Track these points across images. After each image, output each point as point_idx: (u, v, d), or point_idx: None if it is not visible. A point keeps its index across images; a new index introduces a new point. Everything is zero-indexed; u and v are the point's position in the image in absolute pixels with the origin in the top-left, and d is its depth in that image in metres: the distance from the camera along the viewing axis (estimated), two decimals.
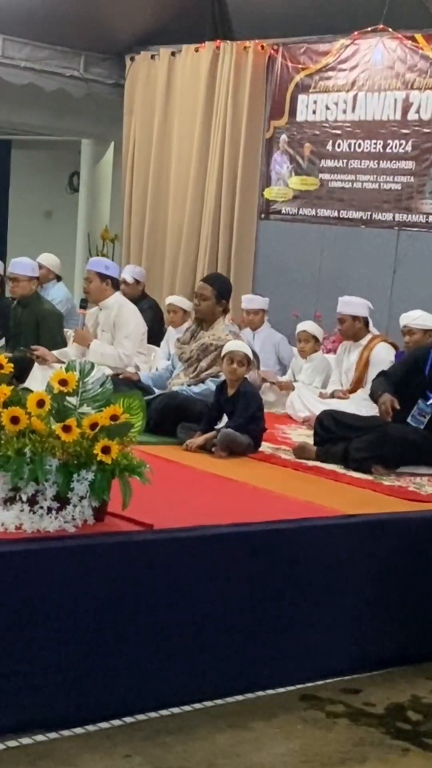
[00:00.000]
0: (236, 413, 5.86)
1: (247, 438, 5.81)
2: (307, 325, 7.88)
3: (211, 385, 6.24)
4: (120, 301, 7.36)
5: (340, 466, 5.75)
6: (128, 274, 9.16)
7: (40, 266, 8.36)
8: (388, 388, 5.88)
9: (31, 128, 12.70)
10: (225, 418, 5.93)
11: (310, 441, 6.11)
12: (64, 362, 6.40)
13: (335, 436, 5.92)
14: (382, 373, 6.21)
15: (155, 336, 8.57)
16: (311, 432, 6.32)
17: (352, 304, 7.15)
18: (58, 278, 9.29)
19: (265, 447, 6.03)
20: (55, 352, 7.24)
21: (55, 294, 8.95)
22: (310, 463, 5.81)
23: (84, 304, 7.76)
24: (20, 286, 7.66)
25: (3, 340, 8.00)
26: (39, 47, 10.22)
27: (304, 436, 6.45)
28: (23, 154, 15.50)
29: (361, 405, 6.57)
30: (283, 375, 7.99)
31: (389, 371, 6.22)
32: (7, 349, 7.48)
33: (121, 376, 6.65)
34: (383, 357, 6.90)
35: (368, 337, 7.13)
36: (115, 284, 7.39)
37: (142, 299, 9.02)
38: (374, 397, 5.99)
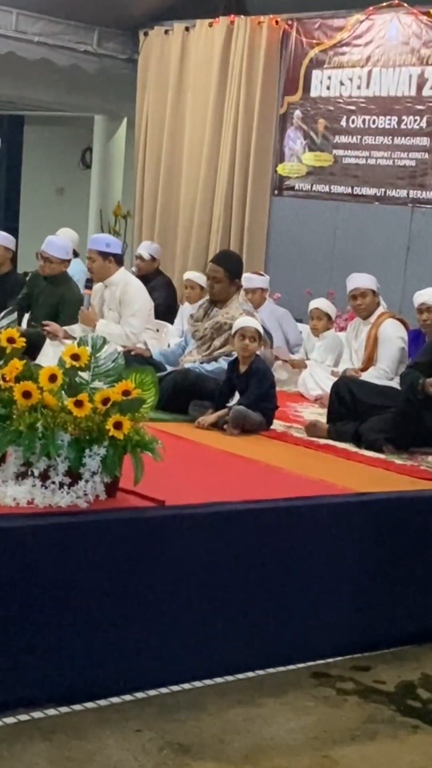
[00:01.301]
0: (248, 390, 5.84)
1: (259, 415, 5.80)
2: (320, 303, 7.83)
3: (223, 363, 6.22)
4: (125, 278, 7.29)
5: (351, 444, 5.73)
6: (145, 250, 9.13)
7: None
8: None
9: (44, 104, 12.67)
10: (237, 396, 5.91)
11: (323, 419, 6.09)
12: (75, 338, 6.40)
13: (349, 408, 5.89)
14: (413, 366, 6.06)
15: (168, 314, 8.55)
16: (323, 410, 6.30)
17: (370, 279, 7.10)
18: (75, 254, 9.26)
19: (277, 425, 6.01)
20: (68, 327, 7.22)
21: (72, 270, 8.92)
22: (322, 441, 5.80)
23: (89, 284, 7.70)
24: (51, 267, 7.59)
25: (15, 314, 7.96)
26: (52, 22, 10.18)
27: (317, 414, 6.43)
28: (36, 130, 15.46)
29: (374, 375, 6.55)
30: (290, 351, 7.96)
31: (419, 362, 6.05)
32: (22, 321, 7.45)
33: (133, 353, 6.62)
34: (391, 333, 6.85)
35: (377, 313, 7.08)
36: (119, 260, 7.31)
37: (156, 276, 9.00)
38: (414, 387, 5.82)
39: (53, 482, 3.73)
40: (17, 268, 8.93)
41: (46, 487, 3.72)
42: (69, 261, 7.79)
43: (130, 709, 3.71)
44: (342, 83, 9.00)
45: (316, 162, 9.21)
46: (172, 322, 8.36)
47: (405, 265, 8.35)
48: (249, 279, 8.25)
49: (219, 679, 4.01)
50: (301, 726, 3.75)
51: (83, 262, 9.32)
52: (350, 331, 7.34)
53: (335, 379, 7.01)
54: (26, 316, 7.66)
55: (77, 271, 9.03)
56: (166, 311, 8.48)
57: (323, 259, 8.99)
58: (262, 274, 8.32)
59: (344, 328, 7.93)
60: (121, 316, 7.15)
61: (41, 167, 15.41)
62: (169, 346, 7.25)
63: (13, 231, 11.16)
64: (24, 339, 4.02)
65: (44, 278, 7.62)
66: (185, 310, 8.26)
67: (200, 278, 8.31)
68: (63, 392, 3.80)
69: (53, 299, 7.59)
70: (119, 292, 7.17)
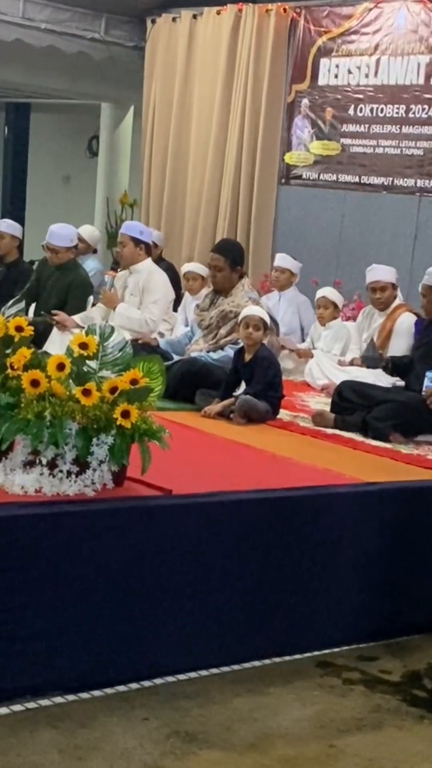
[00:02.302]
0: (254, 379, 5.84)
1: (266, 405, 5.79)
2: (327, 292, 7.82)
3: (229, 351, 6.22)
4: (150, 267, 7.33)
5: (358, 434, 5.73)
6: None
7: (80, 239, 8.24)
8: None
9: (51, 91, 12.63)
10: (243, 385, 5.91)
11: (329, 409, 6.09)
12: (83, 327, 6.41)
13: (354, 405, 5.89)
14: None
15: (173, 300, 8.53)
16: (330, 400, 6.30)
17: (391, 271, 7.09)
18: (94, 251, 9.25)
19: (284, 414, 6.01)
20: (80, 314, 7.23)
21: (89, 266, 8.90)
22: (329, 430, 5.79)
23: (115, 267, 7.71)
24: (57, 257, 7.62)
25: (23, 303, 7.96)
26: (60, 9, 10.15)
27: (323, 403, 6.43)
28: (42, 118, 15.42)
29: (379, 373, 6.54)
30: (302, 339, 7.96)
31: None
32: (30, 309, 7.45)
33: (140, 342, 6.63)
34: (406, 328, 6.85)
35: (393, 305, 7.08)
36: (148, 250, 7.36)
37: (159, 262, 8.98)
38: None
39: (61, 471, 3.74)
40: (23, 256, 8.92)
41: (53, 476, 3.73)
42: (75, 247, 7.77)
43: (137, 698, 3.72)
44: (350, 72, 8.96)
45: (323, 151, 9.18)
46: (175, 308, 8.35)
47: (412, 254, 8.32)
48: (283, 258, 8.27)
49: (225, 668, 4.02)
50: (307, 715, 3.76)
51: (99, 260, 9.29)
52: (363, 319, 7.33)
53: (342, 368, 7.02)
54: (32, 306, 7.66)
55: (93, 266, 8.98)
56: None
57: (330, 248, 8.97)
58: (296, 259, 8.32)
59: (351, 317, 7.93)
60: (141, 303, 7.17)
61: (48, 155, 15.38)
62: (174, 335, 7.25)
63: (20, 219, 11.15)
64: (32, 328, 4.01)
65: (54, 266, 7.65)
66: (188, 299, 8.26)
67: (200, 269, 8.31)
68: (71, 381, 3.81)
69: (62, 286, 7.60)
70: (143, 280, 7.21)
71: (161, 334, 7.13)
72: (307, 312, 8.16)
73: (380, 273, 7.09)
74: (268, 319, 5.98)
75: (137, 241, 7.21)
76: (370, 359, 6.61)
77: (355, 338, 7.37)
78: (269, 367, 5.89)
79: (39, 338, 6.24)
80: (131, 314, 7.00)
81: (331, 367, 7.18)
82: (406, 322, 6.86)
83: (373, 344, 6.83)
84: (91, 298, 7.73)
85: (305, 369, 7.37)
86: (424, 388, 5.73)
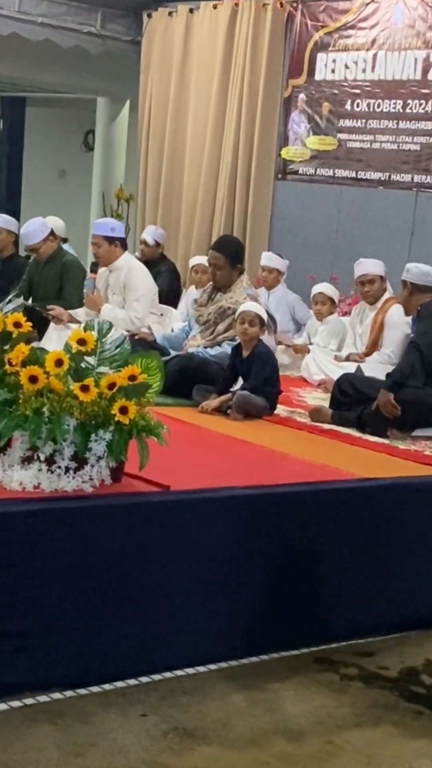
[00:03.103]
0: (251, 375, 5.84)
1: (263, 400, 5.79)
2: (324, 287, 7.83)
3: (227, 348, 6.22)
4: (129, 263, 7.28)
5: (355, 430, 5.72)
6: (149, 235, 9.10)
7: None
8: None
9: (47, 85, 12.61)
10: (241, 381, 5.91)
11: (326, 404, 6.09)
12: (79, 322, 6.40)
13: (353, 400, 5.89)
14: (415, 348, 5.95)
15: (172, 299, 8.53)
16: (327, 395, 6.30)
17: (379, 264, 7.09)
18: (64, 240, 9.20)
19: (281, 410, 6.01)
20: (74, 311, 7.21)
21: None
22: (326, 426, 5.79)
23: (94, 268, 7.69)
24: (41, 253, 7.62)
25: (21, 298, 7.95)
26: (56, 3, 10.12)
27: (320, 399, 6.43)
28: (38, 112, 15.39)
29: (377, 368, 6.53)
30: (298, 336, 7.95)
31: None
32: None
33: (137, 337, 6.62)
34: (398, 319, 6.87)
35: (383, 298, 7.08)
36: (123, 244, 7.31)
37: (160, 261, 8.98)
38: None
39: (59, 467, 3.73)
40: (19, 250, 8.90)
41: (52, 472, 3.73)
42: (52, 236, 7.70)
43: (135, 694, 3.72)
44: (347, 66, 8.95)
45: (320, 146, 9.18)
46: (176, 307, 8.33)
47: (409, 249, 8.32)
48: (270, 258, 8.25)
49: (223, 664, 4.03)
50: (305, 711, 3.76)
51: (71, 247, 9.25)
52: (355, 315, 7.34)
53: (338, 363, 7.03)
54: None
55: None
56: (170, 296, 8.46)
57: (327, 244, 8.97)
58: (282, 257, 8.30)
59: (348, 312, 7.93)
60: (125, 301, 7.14)
61: (43, 149, 15.35)
62: (172, 330, 7.24)
63: (15, 213, 11.14)
64: (30, 324, 4.01)
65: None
66: (191, 294, 8.24)
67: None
68: (69, 377, 3.80)
69: (53, 276, 7.60)
70: (123, 277, 7.17)
71: (150, 328, 7.10)
72: (302, 308, 8.15)
73: (368, 266, 7.10)
74: (265, 316, 5.97)
75: (110, 239, 7.16)
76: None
77: (349, 334, 7.36)
78: (267, 363, 5.89)
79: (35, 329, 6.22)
80: (116, 315, 6.95)
81: (328, 362, 7.19)
82: (396, 314, 6.86)
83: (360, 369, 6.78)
84: (87, 282, 7.72)
85: (302, 364, 7.37)
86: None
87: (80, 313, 7.17)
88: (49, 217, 8.96)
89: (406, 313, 6.50)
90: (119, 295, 7.18)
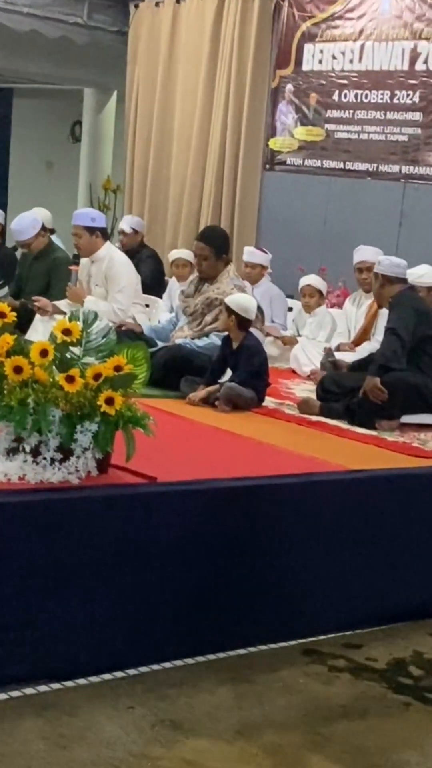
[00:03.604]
0: (239, 367, 5.82)
1: (251, 392, 5.77)
2: (311, 279, 7.80)
3: (215, 339, 6.19)
4: (110, 253, 7.21)
5: (344, 421, 5.71)
6: (126, 224, 9.06)
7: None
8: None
9: (33, 76, 12.55)
10: (229, 373, 5.88)
11: (314, 396, 6.07)
12: (65, 313, 6.36)
13: (338, 395, 5.87)
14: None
15: (156, 286, 8.48)
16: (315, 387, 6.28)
17: (377, 253, 7.01)
18: (51, 231, 9.14)
19: (269, 402, 5.99)
20: (60, 301, 7.17)
21: None
22: (314, 418, 5.77)
23: (76, 260, 7.63)
24: (32, 248, 7.58)
25: (6, 288, 7.93)
26: None
27: (308, 391, 6.41)
28: (25, 103, 15.33)
29: (362, 350, 6.52)
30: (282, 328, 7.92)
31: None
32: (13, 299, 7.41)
33: (124, 328, 6.58)
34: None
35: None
36: (105, 234, 7.25)
37: (141, 249, 8.93)
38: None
39: (44, 458, 3.71)
40: (6, 242, 8.87)
41: (37, 463, 3.70)
42: (43, 230, 7.66)
43: (122, 686, 3.70)
44: (334, 57, 8.92)
45: (308, 137, 9.15)
46: (160, 295, 8.29)
47: (397, 240, 8.31)
48: (251, 253, 8.19)
49: (211, 656, 4.01)
50: (293, 703, 3.75)
51: (60, 239, 9.21)
52: (350, 306, 7.30)
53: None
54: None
55: None
56: (153, 284, 8.40)
57: (315, 235, 8.95)
58: (264, 251, 8.26)
59: (336, 303, 7.91)
60: (108, 292, 7.10)
61: (30, 140, 15.29)
62: (159, 322, 7.21)
63: (2, 205, 11.11)
64: (15, 314, 3.98)
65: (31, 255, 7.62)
66: (174, 286, 8.20)
67: (188, 255, 8.24)
68: (54, 368, 3.77)
69: (42, 271, 7.56)
70: (105, 267, 7.11)
71: (134, 319, 7.05)
72: (280, 305, 8.03)
73: (367, 253, 7.08)
74: (251, 307, 5.93)
75: (91, 230, 7.08)
76: (328, 364, 6.53)
77: (343, 325, 7.32)
78: (255, 355, 5.86)
79: (22, 325, 6.19)
80: (99, 307, 6.85)
81: (317, 353, 7.15)
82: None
83: (330, 352, 6.76)
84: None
85: (291, 355, 7.35)
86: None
87: (64, 305, 7.12)
88: (35, 209, 8.92)
89: (379, 305, 6.47)
90: (102, 286, 7.12)
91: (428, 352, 5.77)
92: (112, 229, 9.44)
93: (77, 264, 7.45)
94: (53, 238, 8.80)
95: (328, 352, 6.68)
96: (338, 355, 6.75)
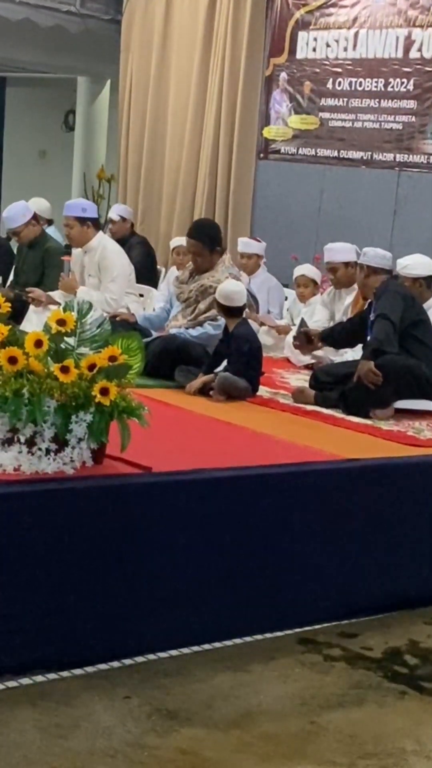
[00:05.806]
0: (232, 355, 5.80)
1: (245, 382, 5.76)
2: (305, 269, 7.77)
3: (209, 328, 6.18)
4: (103, 242, 7.19)
5: (338, 410, 5.70)
6: (114, 212, 9.04)
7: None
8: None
9: (26, 65, 12.50)
10: (225, 362, 5.88)
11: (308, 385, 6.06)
12: (59, 303, 6.35)
13: (331, 385, 5.86)
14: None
15: (146, 273, 8.45)
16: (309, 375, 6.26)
17: (342, 251, 7.03)
18: (50, 222, 9.12)
19: (264, 391, 5.98)
20: (54, 292, 7.15)
21: None
22: (309, 407, 5.77)
23: (68, 251, 7.61)
24: (21, 237, 7.56)
25: (0, 277, 7.92)
26: None
27: (303, 380, 6.40)
28: (18, 92, 15.26)
29: (358, 348, 6.49)
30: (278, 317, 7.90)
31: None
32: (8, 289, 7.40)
33: (117, 318, 6.57)
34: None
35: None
36: (96, 224, 7.23)
37: (131, 236, 8.90)
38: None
39: (39, 449, 3.71)
40: (0, 232, 8.85)
41: (32, 454, 3.70)
42: (34, 220, 7.63)
43: (118, 676, 3.70)
44: (328, 45, 8.90)
45: (302, 125, 9.13)
46: (152, 282, 8.26)
47: (391, 229, 8.31)
48: (246, 244, 8.16)
49: (207, 646, 4.01)
50: (289, 692, 3.76)
51: (59, 230, 9.20)
52: (328, 299, 7.23)
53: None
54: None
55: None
56: (143, 270, 8.36)
57: (309, 223, 8.93)
58: (258, 240, 8.24)
59: None
60: (101, 282, 7.08)
61: (23, 130, 15.22)
62: (154, 309, 7.19)
63: None
64: (9, 305, 3.97)
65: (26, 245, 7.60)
66: (172, 274, 8.18)
67: None
68: (49, 358, 3.77)
69: (36, 262, 7.54)
70: (98, 257, 7.10)
71: (128, 308, 7.04)
72: (276, 296, 8.01)
73: (331, 254, 7.03)
74: (241, 294, 5.91)
75: (82, 220, 7.06)
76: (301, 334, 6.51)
77: (320, 311, 7.23)
78: (245, 343, 5.84)
79: (16, 316, 6.19)
80: (92, 297, 6.83)
81: None
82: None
83: (303, 322, 6.74)
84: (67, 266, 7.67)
85: (285, 344, 7.33)
86: None
87: (57, 295, 7.11)
88: (34, 199, 8.92)
89: (364, 297, 6.43)
90: (95, 276, 7.11)
91: (417, 337, 5.78)
92: (106, 219, 9.40)
93: (70, 254, 7.43)
94: (51, 229, 8.79)
95: (302, 322, 6.66)
96: (329, 349, 6.72)
